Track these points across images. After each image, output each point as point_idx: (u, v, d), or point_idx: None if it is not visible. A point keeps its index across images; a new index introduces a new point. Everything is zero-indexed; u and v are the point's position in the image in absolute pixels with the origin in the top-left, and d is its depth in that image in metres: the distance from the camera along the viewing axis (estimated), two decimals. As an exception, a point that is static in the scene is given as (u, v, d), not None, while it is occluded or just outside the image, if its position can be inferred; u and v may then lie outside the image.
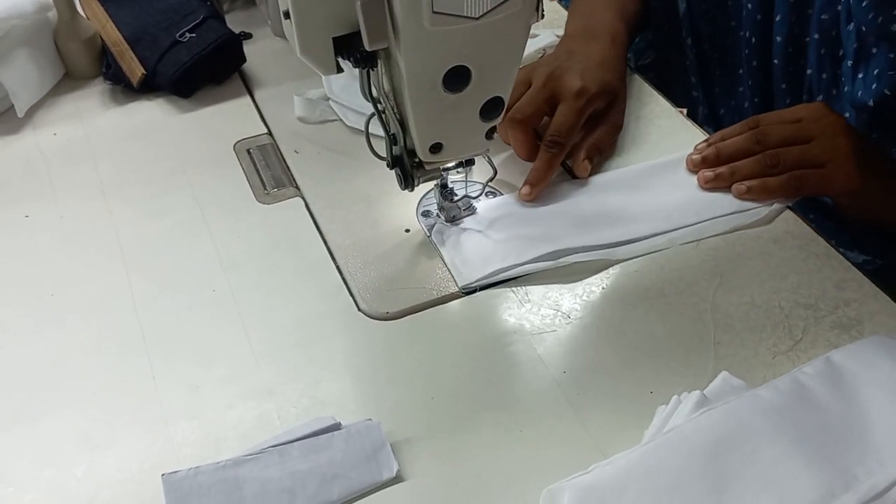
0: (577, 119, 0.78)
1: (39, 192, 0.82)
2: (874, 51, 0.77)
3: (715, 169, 0.76)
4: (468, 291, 0.70)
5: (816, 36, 0.82)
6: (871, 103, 0.77)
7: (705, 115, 1.01)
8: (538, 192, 0.77)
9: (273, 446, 0.57)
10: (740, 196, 0.75)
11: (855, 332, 0.65)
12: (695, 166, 0.78)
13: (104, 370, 0.65)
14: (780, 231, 0.73)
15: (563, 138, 0.77)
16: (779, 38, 0.86)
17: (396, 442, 0.59)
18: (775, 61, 0.87)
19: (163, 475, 0.56)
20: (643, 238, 0.73)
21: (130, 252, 0.75)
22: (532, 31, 0.65)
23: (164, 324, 0.68)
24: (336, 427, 0.59)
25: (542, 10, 0.59)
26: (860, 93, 0.78)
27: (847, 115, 0.80)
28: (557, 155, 0.77)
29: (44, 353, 0.67)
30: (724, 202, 0.75)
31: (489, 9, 0.54)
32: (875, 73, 0.77)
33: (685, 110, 0.91)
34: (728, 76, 0.96)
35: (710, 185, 0.76)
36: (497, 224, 0.75)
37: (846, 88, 0.81)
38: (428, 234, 0.75)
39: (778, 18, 0.85)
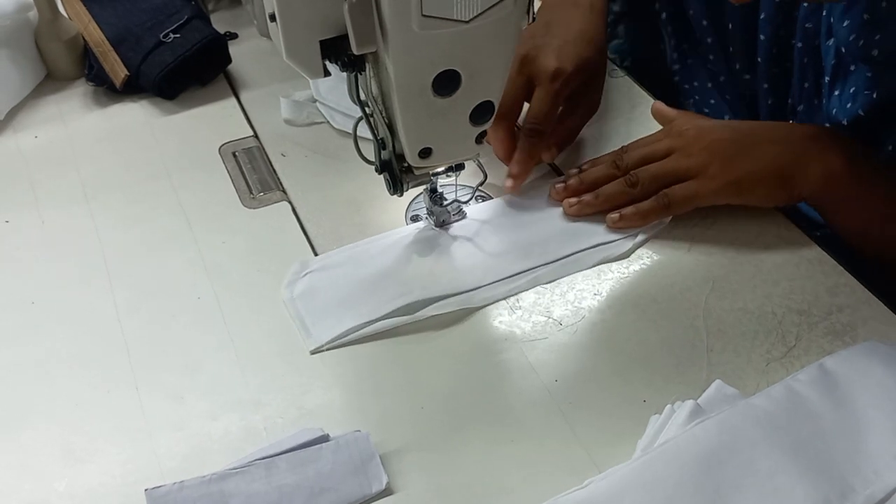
0: (554, 103, 0.77)
1: (20, 196, 0.80)
2: (852, 68, 0.76)
3: (580, 197, 0.74)
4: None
5: (800, 44, 0.81)
6: (844, 122, 0.76)
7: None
8: (521, 183, 0.76)
9: (259, 459, 0.56)
10: (614, 225, 0.72)
11: (848, 338, 0.64)
12: (558, 195, 0.75)
13: (86, 380, 0.64)
14: (772, 236, 0.72)
15: (542, 125, 0.76)
16: (762, 37, 0.84)
17: (385, 453, 0.58)
18: (759, 59, 0.86)
19: (146, 490, 0.55)
20: (502, 279, 0.69)
21: (113, 258, 0.73)
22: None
23: (148, 332, 0.67)
24: (324, 439, 0.58)
25: (534, 13, 0.58)
26: (835, 111, 0.77)
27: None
28: (538, 143, 0.76)
29: (24, 362, 0.65)
30: (586, 235, 0.72)
31: (479, 12, 0.53)
32: (851, 91, 0.76)
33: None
34: (709, 67, 0.95)
35: (574, 212, 0.73)
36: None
37: (824, 102, 0.80)
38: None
39: (762, 16, 0.84)
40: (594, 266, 0.71)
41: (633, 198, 0.72)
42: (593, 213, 0.73)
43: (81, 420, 0.61)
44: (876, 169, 0.71)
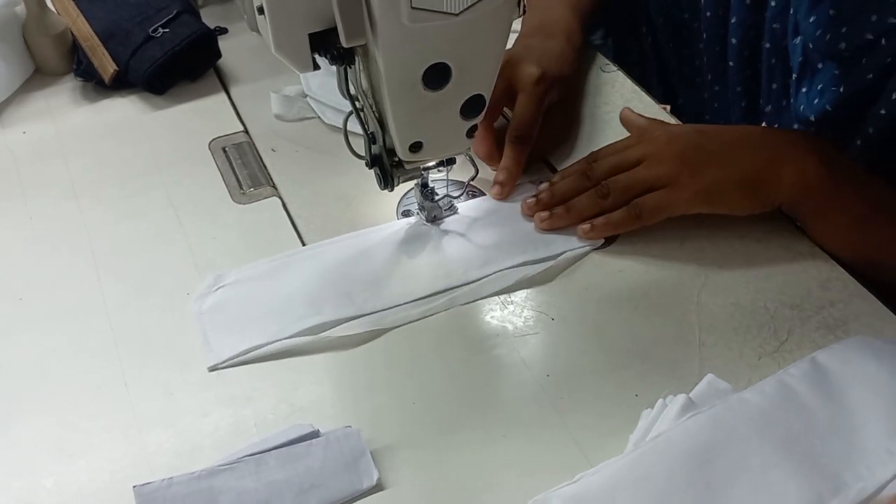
0: (539, 108, 0.77)
1: (8, 192, 0.79)
2: (819, 66, 0.75)
3: (552, 210, 0.73)
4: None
5: (768, 45, 0.81)
6: (812, 118, 0.75)
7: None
8: (509, 190, 0.76)
9: (249, 455, 0.56)
10: (585, 235, 0.71)
11: (840, 333, 0.64)
12: (530, 210, 0.73)
13: (75, 376, 0.63)
14: (764, 231, 0.72)
15: (528, 130, 0.76)
16: (734, 40, 0.84)
17: (376, 449, 0.58)
18: (730, 63, 0.86)
19: (134, 487, 0.54)
20: (418, 299, 0.67)
21: (102, 254, 0.73)
22: (514, 28, 0.64)
23: (137, 328, 0.67)
24: (314, 435, 0.57)
25: (524, 6, 0.58)
26: (802, 107, 0.77)
27: (795, 128, 0.79)
28: (524, 149, 0.76)
29: (12, 358, 0.65)
30: (559, 242, 0.71)
31: (469, 4, 0.53)
32: (819, 87, 0.75)
33: (668, 107, 0.90)
34: (688, 67, 0.95)
35: (546, 226, 0.72)
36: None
37: (792, 101, 0.80)
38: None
39: (734, 21, 0.83)
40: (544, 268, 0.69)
41: (605, 209, 0.71)
42: (565, 227, 0.72)
43: (70, 416, 0.61)
44: (853, 173, 0.69)
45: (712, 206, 0.69)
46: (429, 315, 0.66)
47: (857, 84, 0.72)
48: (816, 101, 0.75)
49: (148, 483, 0.54)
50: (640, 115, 0.78)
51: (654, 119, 0.77)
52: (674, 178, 0.69)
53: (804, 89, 0.77)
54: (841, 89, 0.72)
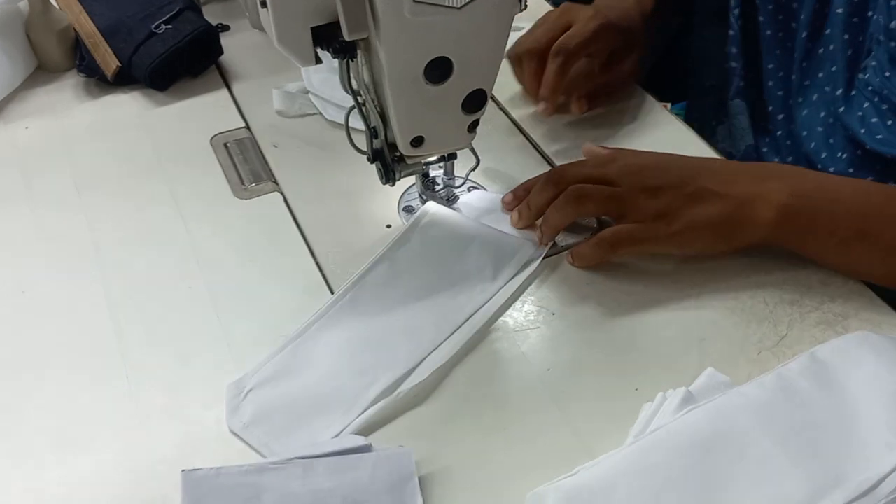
0: (589, 35, 0.76)
1: (11, 187, 0.80)
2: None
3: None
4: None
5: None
6: None
7: (739, 87, 0.94)
8: (553, 104, 0.76)
9: (299, 458, 0.55)
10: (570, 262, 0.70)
11: (840, 328, 0.64)
12: (508, 207, 0.73)
13: (78, 370, 0.64)
14: (764, 226, 0.72)
15: (570, 46, 0.75)
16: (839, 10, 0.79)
17: (374, 433, 0.58)
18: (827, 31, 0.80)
19: (182, 471, 0.54)
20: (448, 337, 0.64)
21: (105, 249, 0.73)
22: (515, 24, 0.64)
23: (139, 322, 0.67)
24: (366, 448, 0.56)
25: (525, 1, 0.58)
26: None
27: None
28: (565, 63, 0.75)
29: (15, 352, 0.65)
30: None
31: (471, -1, 0.53)
32: None
33: (668, 105, 0.90)
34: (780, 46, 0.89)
35: (521, 225, 0.71)
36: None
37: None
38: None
39: None
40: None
41: (579, 214, 0.70)
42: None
43: (74, 410, 0.61)
44: (832, 197, 0.67)
45: (684, 249, 0.68)
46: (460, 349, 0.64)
47: None
48: None
49: (196, 469, 0.54)
50: (604, 147, 0.75)
51: (620, 150, 0.74)
52: (649, 218, 0.67)
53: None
54: None
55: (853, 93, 0.77)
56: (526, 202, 0.72)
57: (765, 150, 0.87)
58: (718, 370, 0.60)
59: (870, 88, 0.74)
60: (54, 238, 0.74)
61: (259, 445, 0.57)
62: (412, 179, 0.74)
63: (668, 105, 0.90)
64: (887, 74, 0.71)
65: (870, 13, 0.77)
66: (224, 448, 0.58)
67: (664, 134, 0.83)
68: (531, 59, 0.78)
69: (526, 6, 0.58)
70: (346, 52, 0.58)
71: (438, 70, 0.58)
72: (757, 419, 0.55)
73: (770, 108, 0.90)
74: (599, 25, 0.78)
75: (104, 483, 0.56)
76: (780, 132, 0.91)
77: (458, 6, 0.53)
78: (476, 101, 0.62)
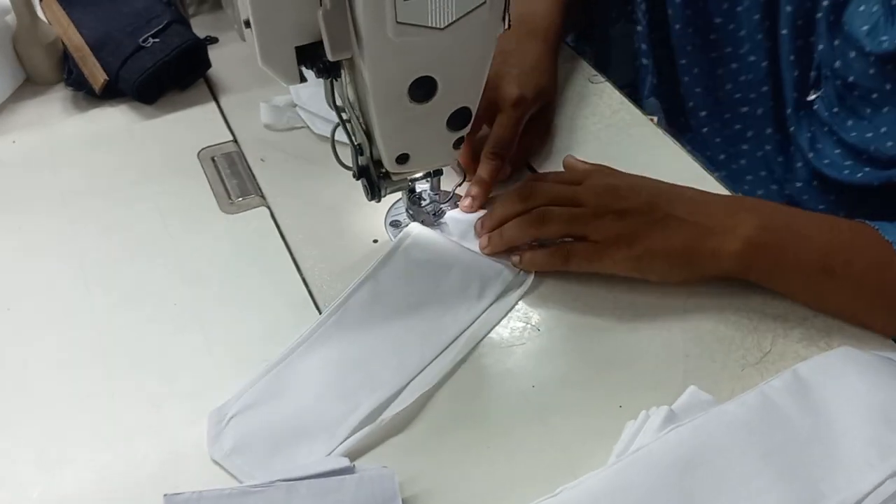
0: (516, 129, 0.78)
1: (-3, 201, 0.80)
2: None
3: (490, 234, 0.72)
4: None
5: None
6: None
7: (653, 84, 0.97)
8: (480, 203, 0.76)
9: (282, 480, 0.54)
10: (516, 266, 0.71)
11: (823, 344, 0.65)
12: (478, 234, 0.74)
13: (62, 386, 0.63)
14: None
15: (505, 149, 0.77)
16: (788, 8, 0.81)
17: (357, 454, 0.58)
18: (783, 31, 0.82)
19: (165, 495, 0.54)
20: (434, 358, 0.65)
21: (90, 264, 0.73)
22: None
23: (125, 338, 0.67)
24: (349, 470, 0.56)
25: (509, 21, 0.58)
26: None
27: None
28: (499, 166, 0.77)
29: (-1, 368, 0.65)
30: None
31: (455, 19, 0.53)
32: None
33: (655, 118, 0.90)
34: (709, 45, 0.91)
35: (489, 252, 0.72)
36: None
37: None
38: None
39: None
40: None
41: (535, 237, 0.71)
42: (500, 252, 0.72)
43: (57, 426, 0.61)
44: (801, 234, 0.66)
45: (643, 274, 0.68)
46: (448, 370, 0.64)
47: None
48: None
49: (179, 493, 0.54)
50: (584, 162, 0.76)
51: (598, 166, 0.75)
52: (610, 239, 0.67)
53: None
54: None
55: (801, 112, 0.79)
56: (499, 231, 0.72)
57: (689, 148, 0.86)
58: (702, 387, 0.61)
59: (818, 119, 0.75)
60: (40, 253, 0.74)
61: (241, 475, 0.57)
62: (399, 194, 0.74)
63: (655, 118, 0.90)
64: (835, 110, 0.72)
65: (812, 38, 0.79)
66: (206, 468, 0.58)
67: (653, 151, 0.83)
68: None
69: (510, 26, 0.58)
70: (330, 71, 0.58)
71: (423, 89, 0.58)
72: (738, 438, 0.55)
73: (690, 104, 0.90)
74: (525, 111, 0.79)
75: (86, 501, 0.56)
76: (705, 129, 0.91)
77: (442, 26, 0.53)
78: (461, 118, 0.63)
